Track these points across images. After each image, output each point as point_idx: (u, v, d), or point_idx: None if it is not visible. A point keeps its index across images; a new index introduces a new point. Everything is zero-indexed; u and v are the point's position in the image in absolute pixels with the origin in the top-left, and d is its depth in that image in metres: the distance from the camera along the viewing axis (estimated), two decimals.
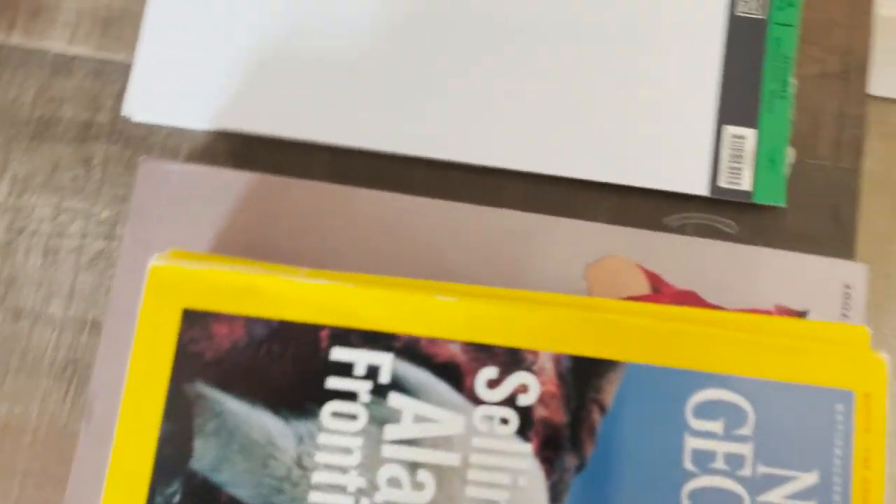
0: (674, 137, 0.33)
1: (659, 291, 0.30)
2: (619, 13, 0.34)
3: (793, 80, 0.34)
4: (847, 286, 0.29)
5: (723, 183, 0.33)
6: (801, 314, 0.29)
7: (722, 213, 0.33)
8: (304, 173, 0.34)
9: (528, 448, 0.23)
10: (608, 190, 0.34)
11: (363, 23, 0.34)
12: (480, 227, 0.31)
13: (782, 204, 0.32)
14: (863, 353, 0.24)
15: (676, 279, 0.30)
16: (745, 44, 0.34)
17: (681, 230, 0.33)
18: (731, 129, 0.33)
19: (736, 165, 0.33)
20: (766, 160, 0.33)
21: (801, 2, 0.34)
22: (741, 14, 0.34)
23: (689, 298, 0.29)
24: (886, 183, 0.99)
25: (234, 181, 0.31)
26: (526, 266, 0.30)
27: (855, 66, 0.35)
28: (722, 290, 0.30)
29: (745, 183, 0.33)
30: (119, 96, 0.34)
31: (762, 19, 0.34)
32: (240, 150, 0.34)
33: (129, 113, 0.33)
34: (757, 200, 0.33)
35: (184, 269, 0.24)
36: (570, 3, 0.34)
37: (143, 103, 0.33)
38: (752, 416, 0.24)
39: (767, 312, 0.29)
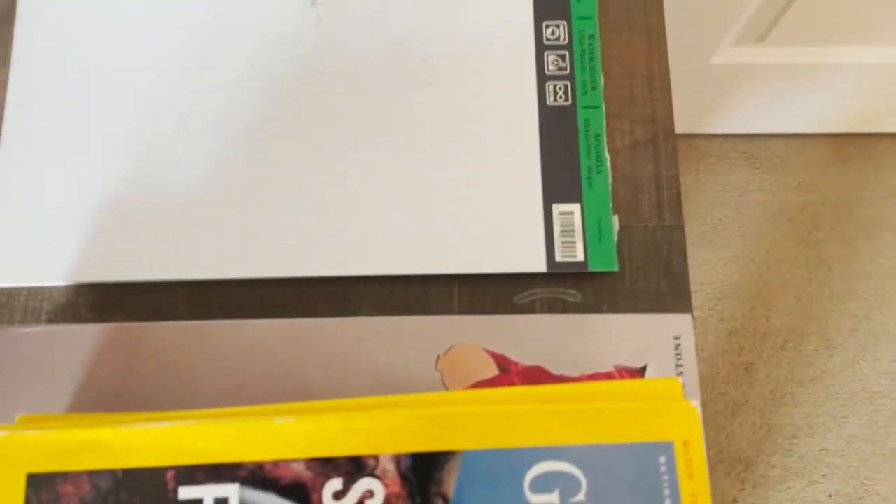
0: (509, 223, 0.36)
1: (507, 370, 0.31)
2: (442, 117, 0.37)
3: (607, 154, 0.37)
4: (676, 337, 0.32)
5: (559, 257, 0.35)
6: (641, 370, 0.31)
7: (565, 285, 0.36)
8: (164, 313, 0.35)
9: None
10: (459, 280, 0.36)
11: (197, 163, 0.36)
12: (335, 338, 0.32)
13: (614, 268, 0.35)
14: (677, 404, 0.26)
15: (524, 356, 0.32)
16: (558, 129, 0.37)
17: (531, 306, 0.35)
18: (558, 207, 0.36)
19: (568, 239, 0.35)
20: (594, 230, 0.36)
21: (603, 84, 0.38)
22: (551, 105, 0.37)
23: (535, 373, 0.31)
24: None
25: (91, 334, 0.32)
26: (382, 369, 0.31)
27: (662, 131, 0.38)
28: (566, 359, 0.32)
29: (579, 254, 0.35)
30: None
31: (570, 105, 0.37)
32: (100, 301, 0.35)
33: None
34: (591, 268, 0.35)
35: (23, 436, 0.25)
36: (395, 113, 0.37)
37: None
38: (584, 482, 0.25)
39: (608, 375, 0.31)
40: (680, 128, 1.06)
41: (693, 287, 1.04)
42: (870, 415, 0.97)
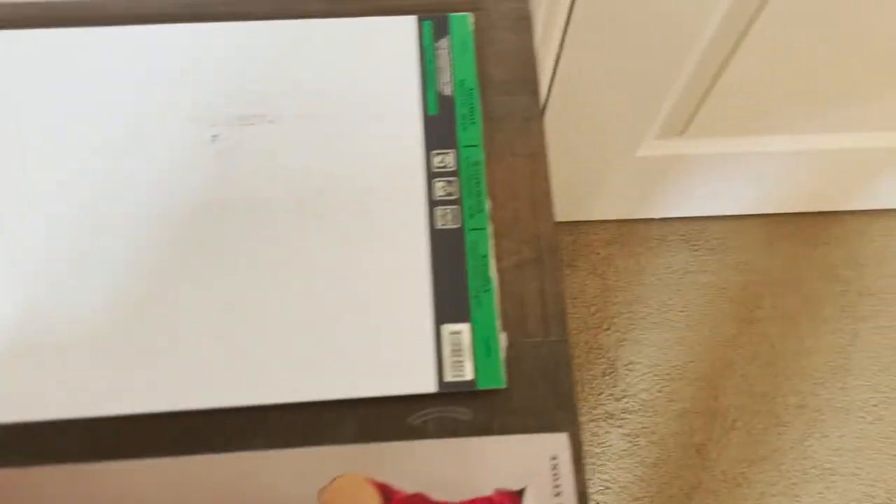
0: (400, 346, 0.37)
1: (390, 500, 0.32)
2: (336, 243, 0.39)
3: (493, 274, 0.39)
4: (554, 457, 0.32)
5: (448, 377, 0.36)
6: (519, 493, 0.32)
7: (456, 403, 0.37)
8: (59, 453, 0.35)
9: None
10: (352, 404, 0.37)
11: (88, 300, 0.37)
12: (224, 474, 0.33)
13: (502, 386, 0.36)
14: None
15: (407, 483, 0.32)
16: (447, 252, 0.39)
17: (423, 427, 0.36)
18: (448, 327, 0.37)
19: (458, 359, 0.37)
20: (482, 349, 0.37)
21: (489, 207, 0.40)
22: (440, 227, 0.39)
23: (417, 502, 0.32)
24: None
25: None
26: None
27: (546, 249, 0.40)
28: (449, 484, 0.32)
29: (468, 373, 0.36)
30: None
31: (458, 228, 0.39)
32: None
33: None
34: (480, 387, 0.36)
35: None
36: (290, 241, 0.38)
37: None
38: None
39: (489, 499, 0.32)
40: (616, 214, 1.09)
41: (641, 369, 1.06)
42: (822, 492, 0.97)
